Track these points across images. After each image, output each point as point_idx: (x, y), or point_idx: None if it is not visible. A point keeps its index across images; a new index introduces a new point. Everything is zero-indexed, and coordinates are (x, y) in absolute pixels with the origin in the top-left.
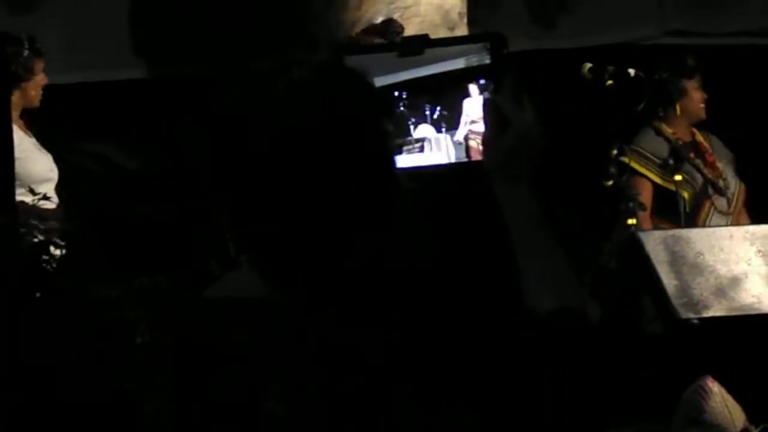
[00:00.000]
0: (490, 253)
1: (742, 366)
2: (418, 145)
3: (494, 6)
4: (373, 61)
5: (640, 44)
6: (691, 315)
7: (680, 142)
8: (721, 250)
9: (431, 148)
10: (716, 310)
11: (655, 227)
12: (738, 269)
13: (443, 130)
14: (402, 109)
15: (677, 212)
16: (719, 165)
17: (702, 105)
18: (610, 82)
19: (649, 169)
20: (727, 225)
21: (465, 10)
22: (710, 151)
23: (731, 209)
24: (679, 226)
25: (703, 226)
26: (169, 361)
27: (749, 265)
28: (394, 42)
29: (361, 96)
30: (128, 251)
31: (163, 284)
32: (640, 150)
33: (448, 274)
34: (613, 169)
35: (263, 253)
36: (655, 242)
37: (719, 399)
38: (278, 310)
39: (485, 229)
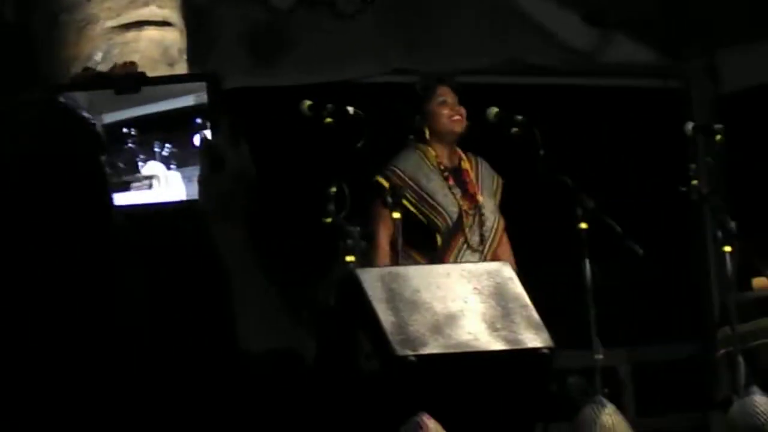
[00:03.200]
0: (207, 295)
1: (458, 403)
2: (146, 182)
3: (214, 43)
4: (100, 99)
5: (361, 82)
6: (408, 352)
7: (442, 167)
8: (438, 287)
9: (160, 185)
10: (433, 347)
11: (407, 257)
12: (455, 307)
13: (174, 167)
14: (131, 145)
15: (430, 245)
16: (480, 198)
17: (455, 119)
18: (329, 119)
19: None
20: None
21: (185, 46)
22: (473, 180)
23: (485, 246)
24: (432, 259)
25: (454, 261)
26: None
27: (466, 302)
28: (109, 79)
29: (73, 133)
30: None
31: None
32: (399, 172)
33: (164, 319)
34: (331, 206)
35: None
36: (372, 279)
37: None
38: None
39: (204, 269)
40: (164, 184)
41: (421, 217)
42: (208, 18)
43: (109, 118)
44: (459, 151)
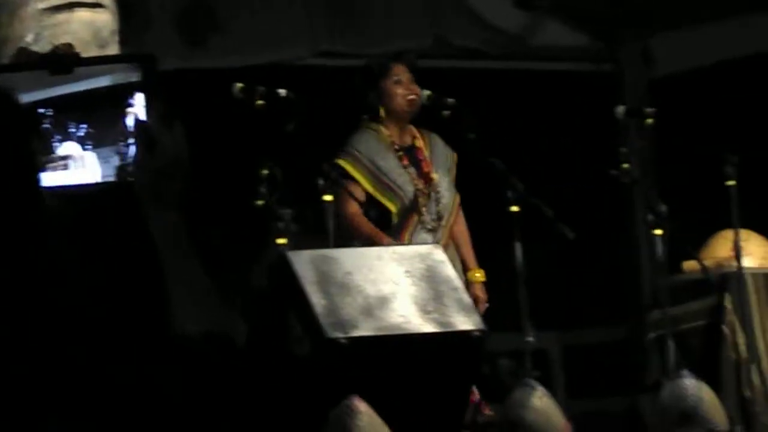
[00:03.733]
0: (138, 277)
1: (389, 385)
2: (62, 162)
3: (146, 25)
4: (17, 79)
5: (292, 64)
6: (339, 334)
7: (396, 146)
8: (370, 270)
9: (76, 165)
10: (364, 330)
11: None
12: (386, 289)
13: (90, 147)
14: (47, 126)
15: (386, 224)
16: (434, 176)
17: (410, 98)
18: (260, 102)
19: (362, 175)
20: (434, 240)
21: (116, 28)
22: (427, 159)
23: (442, 223)
24: (393, 239)
25: (410, 241)
26: None
27: (397, 285)
28: (43, 59)
29: (4, 114)
30: None
31: None
32: (356, 153)
33: (94, 300)
34: (263, 189)
35: None
36: (304, 262)
37: (366, 418)
38: None
39: (134, 251)
40: (80, 164)
41: (378, 196)
42: (141, 0)
43: (26, 98)
44: (413, 129)
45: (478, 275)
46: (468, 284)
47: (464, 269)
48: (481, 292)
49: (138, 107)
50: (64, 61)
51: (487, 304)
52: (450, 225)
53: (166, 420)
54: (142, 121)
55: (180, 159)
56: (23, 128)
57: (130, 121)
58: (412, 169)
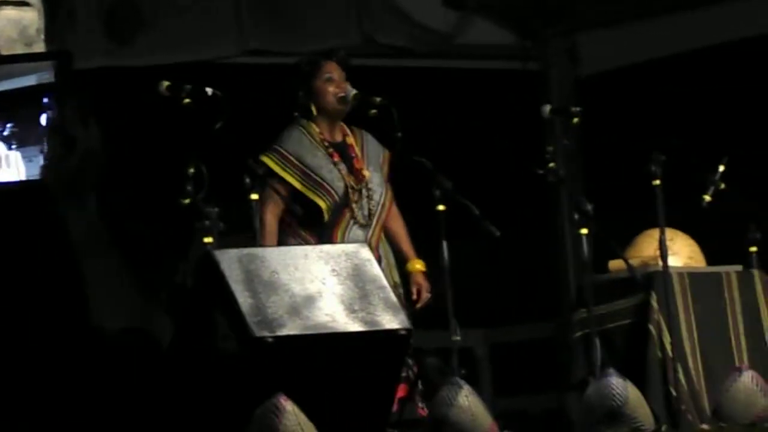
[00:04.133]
0: (56, 275)
1: (316, 384)
2: None
3: (72, 23)
4: None
5: (219, 62)
6: (266, 333)
7: (326, 143)
8: (296, 269)
9: (0, 164)
10: (291, 329)
11: (295, 235)
12: (313, 288)
13: (13, 146)
14: None
15: (317, 221)
16: (366, 173)
17: (340, 95)
18: (187, 100)
19: (289, 173)
20: (367, 237)
21: (42, 26)
22: (359, 155)
23: (374, 220)
24: (320, 236)
25: (342, 238)
26: None
27: (324, 284)
28: None
29: None
30: None
31: None
32: (283, 151)
33: (12, 297)
34: (189, 187)
35: None
36: (230, 260)
37: (292, 417)
38: None
39: (52, 249)
40: (4, 163)
41: (308, 193)
42: None
43: None
44: (344, 126)
45: (419, 266)
46: (409, 275)
47: (404, 261)
48: (423, 281)
49: (53, 105)
50: None
51: (429, 294)
52: (383, 221)
53: (89, 417)
54: (57, 118)
55: (95, 156)
56: None
57: (44, 120)
58: (342, 166)
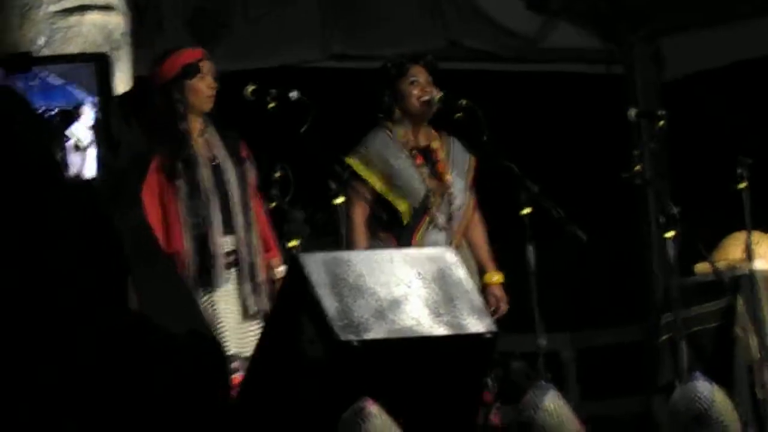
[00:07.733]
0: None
1: (401, 388)
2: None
3: (158, 27)
4: None
5: (304, 67)
6: (352, 337)
7: (411, 146)
8: (382, 272)
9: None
10: (377, 333)
11: (374, 237)
12: (398, 292)
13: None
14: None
15: (397, 224)
16: (448, 177)
17: (424, 99)
18: (272, 104)
19: (372, 174)
20: (446, 241)
21: (128, 30)
22: (443, 160)
23: (454, 225)
24: (398, 238)
25: (421, 241)
26: None
27: (409, 287)
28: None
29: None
30: None
31: None
32: (367, 153)
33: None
34: (275, 191)
35: None
36: (316, 264)
37: (378, 421)
38: None
39: (100, 251)
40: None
41: (388, 196)
42: (153, 2)
43: None
44: (430, 130)
45: (497, 278)
46: (487, 287)
47: (481, 272)
48: (501, 293)
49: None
50: (19, 60)
51: (507, 306)
52: (463, 227)
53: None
54: (102, 120)
55: (139, 159)
56: (39, 133)
57: (83, 122)
58: (425, 169)
